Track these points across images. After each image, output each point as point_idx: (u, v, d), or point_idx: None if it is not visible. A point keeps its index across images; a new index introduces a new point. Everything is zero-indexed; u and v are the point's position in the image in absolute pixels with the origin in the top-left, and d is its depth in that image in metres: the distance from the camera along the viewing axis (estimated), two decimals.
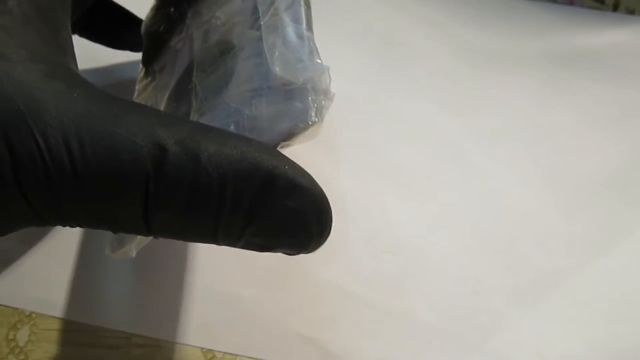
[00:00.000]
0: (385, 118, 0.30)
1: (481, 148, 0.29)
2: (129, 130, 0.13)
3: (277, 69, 0.17)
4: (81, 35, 0.25)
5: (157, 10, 0.24)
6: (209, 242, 0.14)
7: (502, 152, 0.29)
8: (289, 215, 0.14)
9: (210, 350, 0.22)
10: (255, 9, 0.19)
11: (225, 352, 0.22)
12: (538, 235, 0.26)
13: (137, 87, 0.23)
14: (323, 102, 0.17)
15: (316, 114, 0.16)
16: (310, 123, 0.16)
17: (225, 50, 0.19)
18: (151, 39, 0.23)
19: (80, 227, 0.14)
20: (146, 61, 0.23)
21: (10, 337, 0.22)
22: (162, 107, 0.20)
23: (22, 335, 0.22)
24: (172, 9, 0.22)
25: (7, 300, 0.23)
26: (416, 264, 0.25)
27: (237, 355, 0.22)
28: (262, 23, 0.18)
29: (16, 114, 0.12)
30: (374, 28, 0.34)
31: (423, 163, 0.28)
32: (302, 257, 0.24)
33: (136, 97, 0.23)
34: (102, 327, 0.22)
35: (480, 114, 0.31)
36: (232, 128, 0.16)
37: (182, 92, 0.20)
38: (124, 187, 0.13)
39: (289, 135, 0.16)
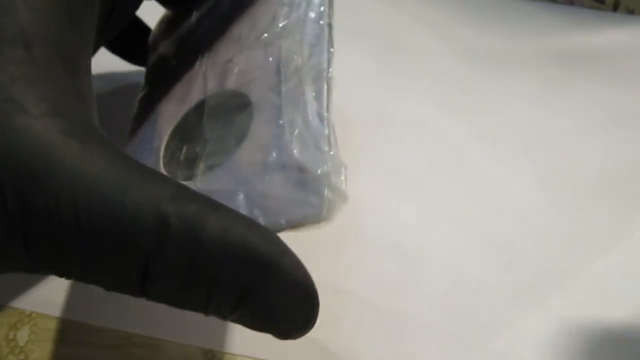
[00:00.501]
0: (385, 119, 0.30)
1: (481, 148, 0.29)
2: (136, 203, 0.13)
3: (296, 151, 0.17)
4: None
5: (167, 24, 0.24)
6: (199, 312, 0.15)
7: (502, 152, 0.29)
8: (278, 306, 0.14)
9: (210, 350, 0.22)
10: (278, 70, 0.19)
11: (225, 352, 0.22)
12: (538, 236, 0.26)
13: (137, 104, 0.23)
14: (337, 203, 0.16)
15: (328, 213, 0.16)
16: (321, 220, 0.16)
17: (241, 105, 0.19)
18: (158, 58, 0.23)
19: (74, 280, 0.14)
20: (150, 80, 0.23)
21: (10, 337, 0.22)
22: (164, 140, 0.20)
23: (22, 335, 0.22)
24: (184, 31, 0.22)
25: (7, 301, 0.23)
26: (416, 263, 0.25)
27: (237, 355, 0.22)
28: (283, 90, 0.18)
29: (32, 175, 0.13)
30: (374, 29, 0.34)
31: (423, 163, 0.28)
32: (302, 257, 0.24)
33: (135, 117, 0.22)
34: (102, 327, 0.22)
35: (480, 114, 0.31)
36: (240, 198, 0.17)
37: (189, 133, 0.20)
38: (123, 257, 0.13)
39: (296, 225, 0.16)
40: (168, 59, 0.23)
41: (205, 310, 0.15)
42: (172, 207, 0.13)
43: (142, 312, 0.23)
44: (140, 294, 0.14)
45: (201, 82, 0.21)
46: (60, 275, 0.14)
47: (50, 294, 0.23)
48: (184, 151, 0.19)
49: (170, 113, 0.21)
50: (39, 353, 0.22)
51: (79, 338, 0.22)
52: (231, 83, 0.20)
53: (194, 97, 0.20)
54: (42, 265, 0.14)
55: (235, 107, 0.19)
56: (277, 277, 0.14)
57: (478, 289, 0.24)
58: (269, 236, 0.14)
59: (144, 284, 0.14)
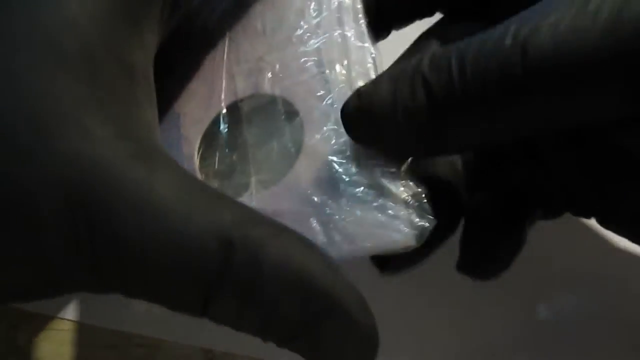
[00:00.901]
0: None
1: None
2: (200, 229, 0.13)
3: (366, 178, 0.16)
4: None
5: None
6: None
7: None
8: (336, 345, 0.14)
9: (210, 350, 0.22)
10: (322, 76, 0.17)
11: (225, 352, 0.22)
12: None
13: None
14: (426, 225, 0.15)
15: (419, 238, 0.15)
16: (411, 246, 0.15)
17: (287, 113, 0.18)
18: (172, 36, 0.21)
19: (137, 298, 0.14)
20: (164, 64, 0.21)
21: (10, 336, 0.22)
22: (196, 147, 0.19)
23: (22, 335, 0.22)
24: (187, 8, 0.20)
25: None
26: None
27: (237, 355, 0.22)
28: (334, 104, 0.17)
29: (102, 204, 0.13)
30: None
31: None
32: None
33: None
34: (102, 327, 0.23)
35: None
36: (314, 222, 0.16)
37: (221, 140, 0.18)
38: (187, 283, 0.13)
39: (384, 251, 0.15)
40: (183, 40, 0.20)
41: (263, 337, 0.15)
42: (236, 233, 0.13)
43: (142, 312, 0.23)
44: (202, 316, 0.14)
45: (228, 81, 0.19)
46: (125, 295, 0.14)
47: None
48: (217, 159, 0.18)
49: (196, 116, 0.19)
50: (38, 353, 0.22)
51: (79, 338, 0.22)
52: (267, 86, 0.18)
53: (223, 99, 0.19)
54: (108, 288, 0.14)
55: (278, 114, 0.18)
56: (338, 317, 0.14)
57: None
58: (332, 270, 0.14)
59: (205, 307, 0.14)
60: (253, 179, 0.17)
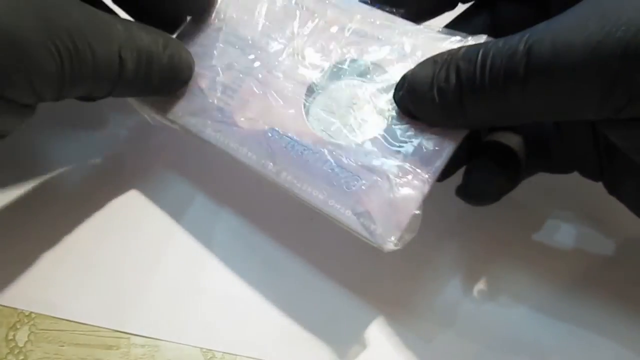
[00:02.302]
0: None
1: None
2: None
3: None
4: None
5: None
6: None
7: None
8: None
9: (210, 350, 0.22)
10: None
11: (225, 352, 0.22)
12: None
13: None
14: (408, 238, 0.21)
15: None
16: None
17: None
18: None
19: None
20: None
21: (10, 337, 0.22)
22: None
23: (22, 336, 0.22)
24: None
25: (7, 301, 0.23)
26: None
27: (237, 355, 0.22)
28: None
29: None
30: None
31: None
32: (302, 257, 0.24)
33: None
34: (102, 327, 0.22)
35: None
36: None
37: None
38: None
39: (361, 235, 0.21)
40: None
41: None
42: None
43: (142, 313, 0.23)
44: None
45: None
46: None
47: (50, 295, 0.23)
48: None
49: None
50: (38, 353, 0.22)
51: (79, 338, 0.22)
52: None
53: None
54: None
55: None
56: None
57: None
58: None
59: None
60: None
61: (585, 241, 0.26)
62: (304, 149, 0.22)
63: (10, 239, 0.24)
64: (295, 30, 0.24)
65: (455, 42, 0.22)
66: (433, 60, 0.20)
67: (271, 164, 0.23)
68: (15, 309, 0.23)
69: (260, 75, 0.24)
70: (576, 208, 0.27)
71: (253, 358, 0.22)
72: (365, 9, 0.24)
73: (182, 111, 0.24)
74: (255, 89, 0.24)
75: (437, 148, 0.21)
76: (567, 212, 0.27)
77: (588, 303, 0.24)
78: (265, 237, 0.25)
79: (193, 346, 0.22)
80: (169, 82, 0.23)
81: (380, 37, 0.23)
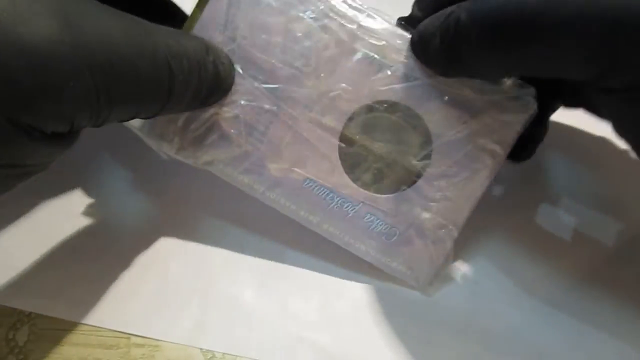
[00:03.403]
0: None
1: None
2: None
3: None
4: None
5: None
6: None
7: None
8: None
9: (210, 350, 0.22)
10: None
11: (225, 353, 0.22)
12: None
13: None
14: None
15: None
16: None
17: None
18: None
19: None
20: None
21: (10, 337, 0.22)
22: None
23: (22, 335, 0.22)
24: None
25: (7, 301, 0.23)
26: None
27: (236, 355, 0.22)
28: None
29: None
30: None
31: None
32: (302, 258, 0.24)
33: None
34: (102, 327, 0.22)
35: None
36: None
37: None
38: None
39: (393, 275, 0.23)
40: None
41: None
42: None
43: (142, 312, 0.23)
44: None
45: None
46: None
47: (50, 294, 0.23)
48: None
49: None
50: (38, 353, 0.22)
51: (79, 338, 0.22)
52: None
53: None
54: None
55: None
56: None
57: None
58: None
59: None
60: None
61: (587, 239, 0.26)
62: (344, 201, 0.23)
63: (10, 240, 0.24)
64: (322, 62, 0.22)
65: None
66: (442, 13, 0.20)
67: (312, 216, 0.23)
68: (15, 308, 0.23)
69: (289, 120, 0.22)
70: (577, 207, 0.27)
71: (253, 358, 0.22)
72: (401, 36, 0.22)
73: (206, 155, 0.22)
74: (286, 135, 0.22)
75: (463, 199, 0.23)
76: (568, 210, 0.27)
77: (590, 302, 0.24)
78: (262, 236, 0.25)
79: (193, 346, 0.22)
80: (214, 91, 0.21)
81: (415, 76, 0.22)
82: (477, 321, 0.24)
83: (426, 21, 0.21)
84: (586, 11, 0.16)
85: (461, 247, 0.25)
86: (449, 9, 0.20)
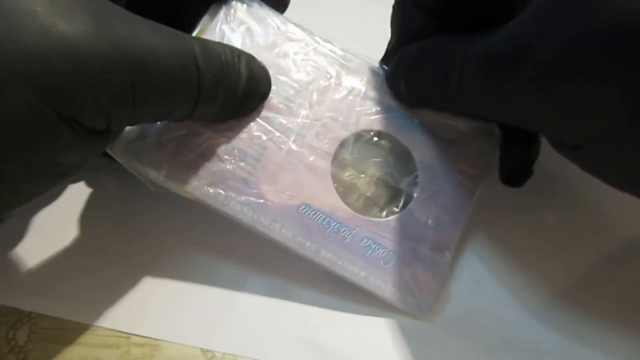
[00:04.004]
0: None
1: None
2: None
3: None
4: None
5: None
6: None
7: None
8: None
9: (210, 350, 0.22)
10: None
11: (225, 352, 0.22)
12: None
13: None
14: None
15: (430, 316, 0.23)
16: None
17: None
18: None
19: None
20: None
21: (10, 336, 0.22)
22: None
23: (22, 335, 0.22)
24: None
25: (7, 301, 0.23)
26: None
27: (237, 355, 0.22)
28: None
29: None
30: None
31: None
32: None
33: None
34: (102, 327, 0.22)
35: None
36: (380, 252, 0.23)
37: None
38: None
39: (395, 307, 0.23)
40: None
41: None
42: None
43: (142, 312, 0.23)
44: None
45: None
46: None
47: (50, 294, 0.23)
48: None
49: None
50: (38, 353, 0.22)
51: (79, 338, 0.22)
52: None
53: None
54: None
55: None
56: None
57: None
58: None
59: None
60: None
61: (583, 242, 0.26)
62: (340, 226, 0.22)
63: (10, 239, 0.24)
64: (312, 94, 0.23)
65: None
66: (403, 57, 0.23)
67: (308, 242, 0.22)
68: (15, 308, 0.23)
69: (283, 146, 0.22)
70: (574, 210, 0.27)
71: (253, 358, 0.22)
72: (378, 73, 0.24)
73: (198, 180, 0.21)
74: (280, 161, 0.22)
75: (452, 222, 0.23)
76: (565, 214, 0.27)
77: (586, 303, 0.24)
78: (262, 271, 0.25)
79: (193, 346, 0.22)
80: (250, 95, 0.21)
81: (394, 108, 0.24)
82: (476, 321, 0.24)
83: (391, 65, 0.24)
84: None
85: (460, 247, 0.25)
86: (409, 51, 0.23)
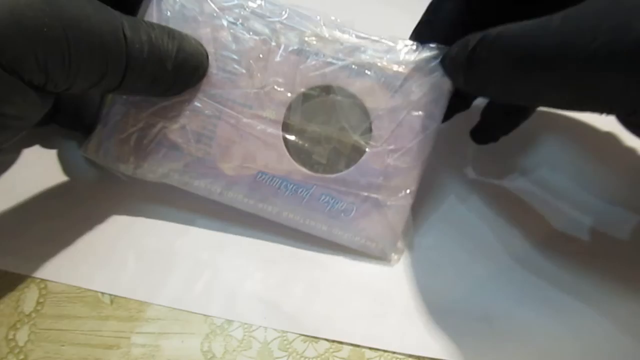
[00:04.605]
0: None
1: None
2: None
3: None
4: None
5: None
6: None
7: None
8: None
9: (210, 350, 0.23)
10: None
11: (225, 352, 0.22)
12: None
13: None
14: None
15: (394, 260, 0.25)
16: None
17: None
18: None
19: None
20: None
21: (10, 336, 0.22)
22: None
23: (22, 335, 0.22)
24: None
25: (7, 300, 0.23)
26: None
27: (236, 354, 0.22)
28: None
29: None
30: None
31: None
32: (303, 259, 0.24)
33: None
34: (102, 327, 0.23)
35: None
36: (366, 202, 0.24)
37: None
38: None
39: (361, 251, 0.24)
40: None
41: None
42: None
43: (162, 284, 0.23)
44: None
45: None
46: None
47: (68, 263, 0.23)
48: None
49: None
50: (38, 353, 0.22)
51: (79, 338, 0.22)
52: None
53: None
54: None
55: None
56: None
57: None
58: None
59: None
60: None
61: (545, 205, 0.27)
62: (297, 187, 0.24)
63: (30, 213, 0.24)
64: (252, 62, 0.23)
65: (410, 51, 0.23)
66: (464, 43, 0.22)
67: (270, 206, 0.24)
68: (15, 307, 0.23)
69: (232, 120, 0.23)
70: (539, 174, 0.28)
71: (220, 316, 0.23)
72: (315, 21, 0.23)
73: (161, 168, 0.23)
74: (232, 135, 0.23)
75: (411, 164, 0.23)
76: (529, 177, 0.27)
77: (545, 265, 0.25)
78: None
79: (193, 346, 0.23)
80: (181, 69, 0.22)
81: (340, 58, 0.23)
82: (433, 287, 0.25)
83: (453, 49, 0.22)
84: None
85: (419, 215, 0.26)
86: (470, 39, 0.21)
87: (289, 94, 0.23)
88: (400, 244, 0.25)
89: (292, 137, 0.23)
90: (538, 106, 0.25)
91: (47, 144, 0.26)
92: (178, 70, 0.22)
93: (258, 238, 0.25)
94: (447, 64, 0.23)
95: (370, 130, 0.23)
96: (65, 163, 0.26)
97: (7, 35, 0.16)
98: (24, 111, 0.18)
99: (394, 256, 0.25)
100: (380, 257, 0.25)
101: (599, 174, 0.27)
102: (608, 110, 0.19)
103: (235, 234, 0.25)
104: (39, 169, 0.26)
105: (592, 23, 0.17)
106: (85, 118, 0.24)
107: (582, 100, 0.18)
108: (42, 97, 0.19)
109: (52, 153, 0.26)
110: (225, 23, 0.23)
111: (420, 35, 0.24)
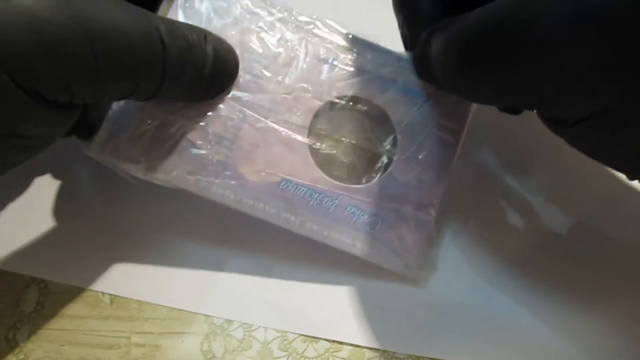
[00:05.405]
0: None
1: None
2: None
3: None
4: None
5: None
6: None
7: None
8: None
9: (210, 350, 0.23)
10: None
11: (225, 352, 0.22)
12: None
13: None
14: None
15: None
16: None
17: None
18: None
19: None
20: None
21: (10, 337, 0.22)
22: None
23: (22, 335, 0.22)
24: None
25: (7, 300, 0.23)
26: None
27: (236, 353, 0.22)
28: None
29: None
30: None
31: None
32: (304, 260, 0.24)
33: None
34: (102, 327, 0.23)
35: None
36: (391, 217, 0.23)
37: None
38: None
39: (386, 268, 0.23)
40: None
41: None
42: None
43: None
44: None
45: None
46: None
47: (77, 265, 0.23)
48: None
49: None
50: (38, 353, 0.22)
51: (79, 338, 0.22)
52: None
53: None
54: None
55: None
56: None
57: None
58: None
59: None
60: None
61: (535, 217, 0.27)
62: (323, 197, 0.23)
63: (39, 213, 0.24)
64: (279, 67, 0.22)
65: None
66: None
67: (293, 216, 0.23)
68: (15, 307, 0.23)
69: (257, 124, 0.22)
70: (529, 182, 0.27)
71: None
72: (343, 34, 0.23)
73: (176, 170, 0.22)
74: (255, 139, 0.22)
75: (434, 178, 0.23)
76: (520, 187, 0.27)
77: (533, 276, 0.25)
78: (245, 249, 0.25)
79: (193, 346, 0.23)
80: (217, 76, 0.21)
81: (367, 70, 0.23)
82: (433, 287, 0.24)
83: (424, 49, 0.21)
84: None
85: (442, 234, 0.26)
86: (424, 35, 0.21)
87: (317, 102, 0.23)
88: (426, 260, 0.24)
89: (317, 145, 0.23)
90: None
91: None
92: (214, 76, 0.21)
93: (258, 238, 0.25)
94: (413, 62, 0.23)
95: (395, 142, 0.23)
96: (66, 163, 0.26)
97: (25, 54, 0.15)
98: (46, 129, 0.17)
99: (420, 274, 0.24)
100: (405, 273, 0.24)
101: (599, 174, 0.27)
102: (522, 106, 0.19)
103: (236, 233, 0.25)
104: (39, 169, 0.26)
105: (504, 17, 0.17)
106: (88, 116, 0.22)
107: (501, 96, 0.19)
108: (67, 113, 0.17)
109: (53, 153, 0.26)
110: (253, 27, 0.22)
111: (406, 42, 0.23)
